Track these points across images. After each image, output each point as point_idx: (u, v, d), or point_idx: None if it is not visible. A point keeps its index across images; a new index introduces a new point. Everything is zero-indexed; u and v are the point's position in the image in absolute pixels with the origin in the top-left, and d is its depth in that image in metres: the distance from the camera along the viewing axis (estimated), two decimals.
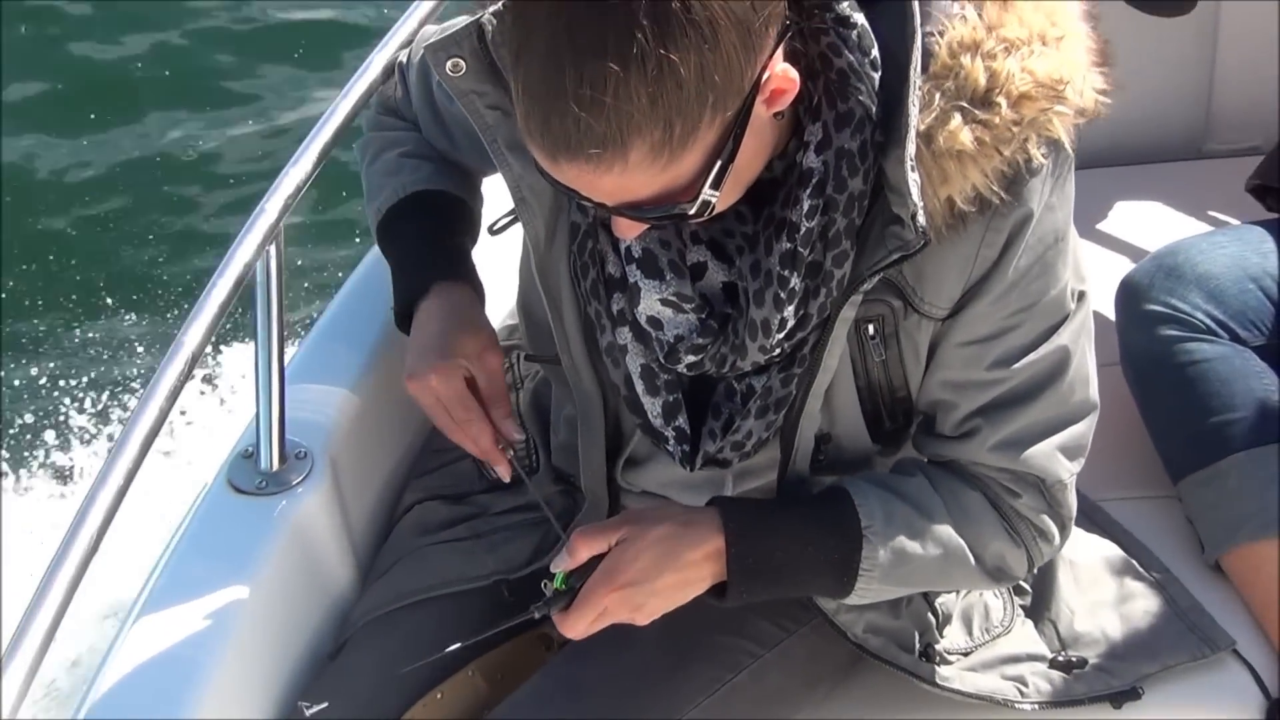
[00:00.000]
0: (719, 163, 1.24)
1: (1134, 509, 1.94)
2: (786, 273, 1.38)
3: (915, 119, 1.31)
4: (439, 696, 1.61)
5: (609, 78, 1.13)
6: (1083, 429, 1.53)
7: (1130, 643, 1.75)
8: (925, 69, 1.32)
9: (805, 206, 1.35)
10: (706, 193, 1.24)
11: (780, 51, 1.24)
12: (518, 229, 1.60)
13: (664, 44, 1.13)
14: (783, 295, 1.38)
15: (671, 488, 1.63)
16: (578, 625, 1.42)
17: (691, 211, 1.26)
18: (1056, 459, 1.51)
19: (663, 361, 1.49)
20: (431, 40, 1.44)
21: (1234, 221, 2.12)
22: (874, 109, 1.33)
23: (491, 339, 1.66)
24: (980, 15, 1.34)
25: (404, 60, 1.83)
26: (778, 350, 1.45)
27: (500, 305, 1.92)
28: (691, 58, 1.14)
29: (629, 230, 1.34)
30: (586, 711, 1.57)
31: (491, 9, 1.38)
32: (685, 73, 1.15)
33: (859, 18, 1.32)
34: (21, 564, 3.39)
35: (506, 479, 1.64)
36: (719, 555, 1.45)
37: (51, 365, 4.27)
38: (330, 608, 1.76)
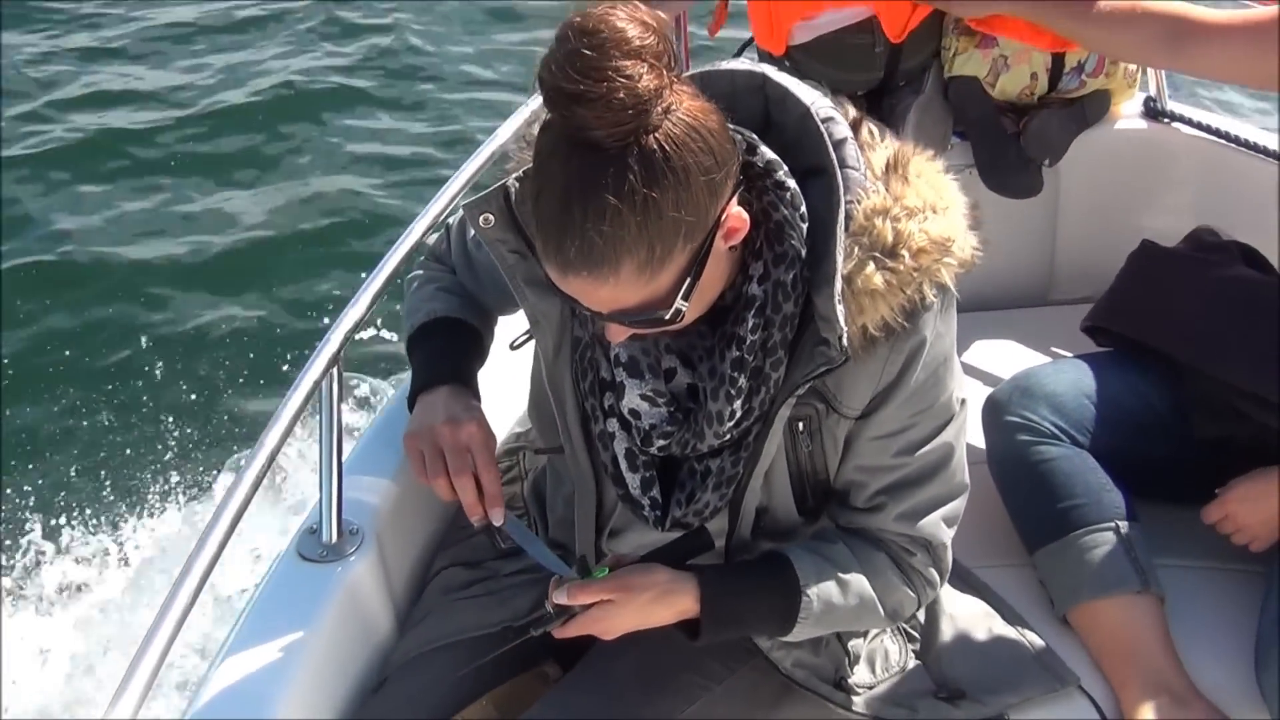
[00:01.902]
0: (688, 280, 1.29)
1: (999, 574, 1.95)
2: (735, 374, 1.41)
3: (840, 265, 1.35)
4: None
5: (607, 210, 1.20)
6: (959, 504, 1.58)
7: (998, 679, 1.76)
8: (847, 228, 1.37)
9: (749, 324, 1.39)
10: (679, 303, 1.30)
11: (735, 200, 1.30)
12: (528, 348, 1.63)
13: (649, 186, 1.19)
14: (732, 392, 1.42)
15: (644, 549, 1.58)
16: (567, 633, 1.47)
17: (667, 317, 1.31)
18: (941, 527, 1.56)
19: (640, 445, 1.52)
20: (469, 201, 1.48)
21: (1072, 354, 2.15)
22: (803, 252, 1.37)
23: (485, 427, 1.67)
24: (887, 188, 1.40)
25: (451, 222, 1.85)
26: (728, 436, 1.47)
27: (510, 415, 1.96)
28: (670, 197, 1.21)
29: (618, 334, 1.39)
30: None
31: (513, 176, 1.43)
32: (664, 208, 1.21)
33: (791, 183, 1.36)
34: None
35: (495, 522, 1.63)
36: (687, 613, 1.49)
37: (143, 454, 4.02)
38: (374, 650, 1.75)
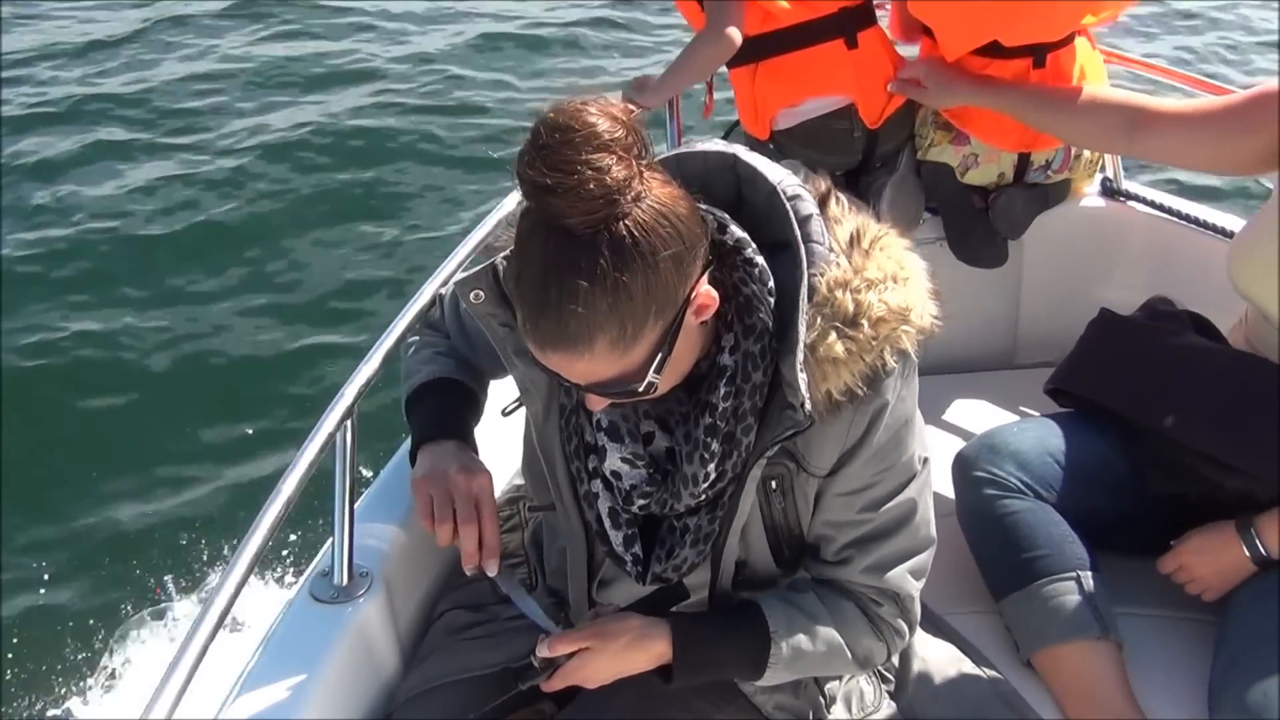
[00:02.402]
0: (660, 355, 1.30)
1: (969, 620, 1.96)
2: (709, 439, 1.42)
3: (803, 335, 1.36)
4: None
5: (580, 292, 1.21)
6: (925, 557, 1.58)
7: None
8: (811, 299, 1.38)
9: (721, 392, 1.40)
10: (651, 376, 1.31)
11: (705, 278, 1.31)
12: (520, 412, 1.64)
13: (619, 269, 1.21)
14: (706, 456, 1.43)
15: (631, 600, 1.59)
16: (553, 685, 1.49)
17: (640, 389, 1.32)
18: (907, 579, 1.56)
19: (622, 504, 1.52)
20: (461, 278, 1.50)
21: (1037, 414, 2.16)
22: (770, 324, 1.38)
23: (486, 477, 1.67)
24: (850, 261, 1.40)
25: (444, 293, 1.87)
26: (703, 496, 1.48)
27: (510, 466, 1.97)
28: (639, 279, 1.22)
29: (597, 404, 1.40)
30: None
31: (501, 256, 1.44)
32: (634, 289, 1.22)
33: (759, 259, 1.38)
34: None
35: (491, 573, 1.64)
36: (663, 658, 1.49)
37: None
38: (382, 687, 1.76)
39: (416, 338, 1.87)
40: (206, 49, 7.81)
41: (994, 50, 2.41)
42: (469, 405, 1.78)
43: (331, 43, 8.18)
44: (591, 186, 1.18)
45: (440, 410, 1.76)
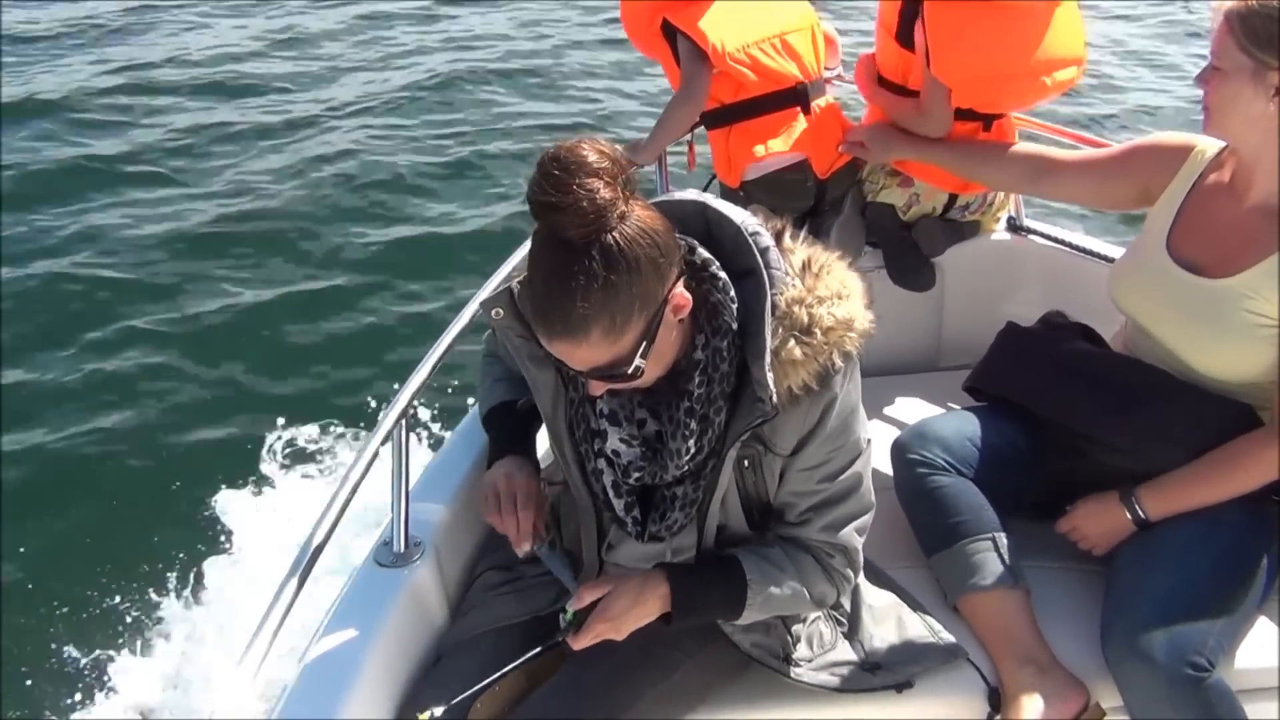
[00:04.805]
0: (645, 343, 1.31)
1: (906, 573, 1.94)
2: (688, 420, 1.44)
3: (769, 343, 1.38)
4: (496, 689, 1.58)
5: (576, 290, 1.23)
6: (868, 518, 1.59)
7: (905, 653, 1.76)
8: (774, 313, 1.40)
9: (696, 381, 1.42)
10: (638, 361, 1.32)
11: (680, 283, 1.33)
12: None
13: (609, 271, 1.23)
14: (686, 433, 1.44)
15: (632, 558, 1.63)
16: (582, 641, 1.47)
17: (629, 372, 1.33)
18: (854, 535, 1.57)
19: (622, 478, 1.53)
20: (485, 299, 1.53)
21: (958, 407, 2.14)
22: (734, 325, 1.40)
23: (532, 477, 1.68)
24: (803, 282, 1.43)
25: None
26: (686, 468, 1.48)
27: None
28: (625, 280, 1.24)
29: (597, 389, 1.41)
30: (582, 698, 1.59)
31: (516, 280, 1.47)
32: (621, 288, 1.25)
33: (722, 274, 1.40)
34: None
35: (522, 554, 1.64)
36: (666, 599, 1.50)
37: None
38: (432, 635, 1.76)
39: (483, 367, 1.85)
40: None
41: (956, 114, 2.38)
42: (520, 420, 1.76)
43: (373, 55, 7.82)
44: (584, 204, 1.20)
45: (498, 435, 1.76)
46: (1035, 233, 2.74)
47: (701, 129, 2.63)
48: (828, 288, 1.43)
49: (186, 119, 6.66)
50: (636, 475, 1.51)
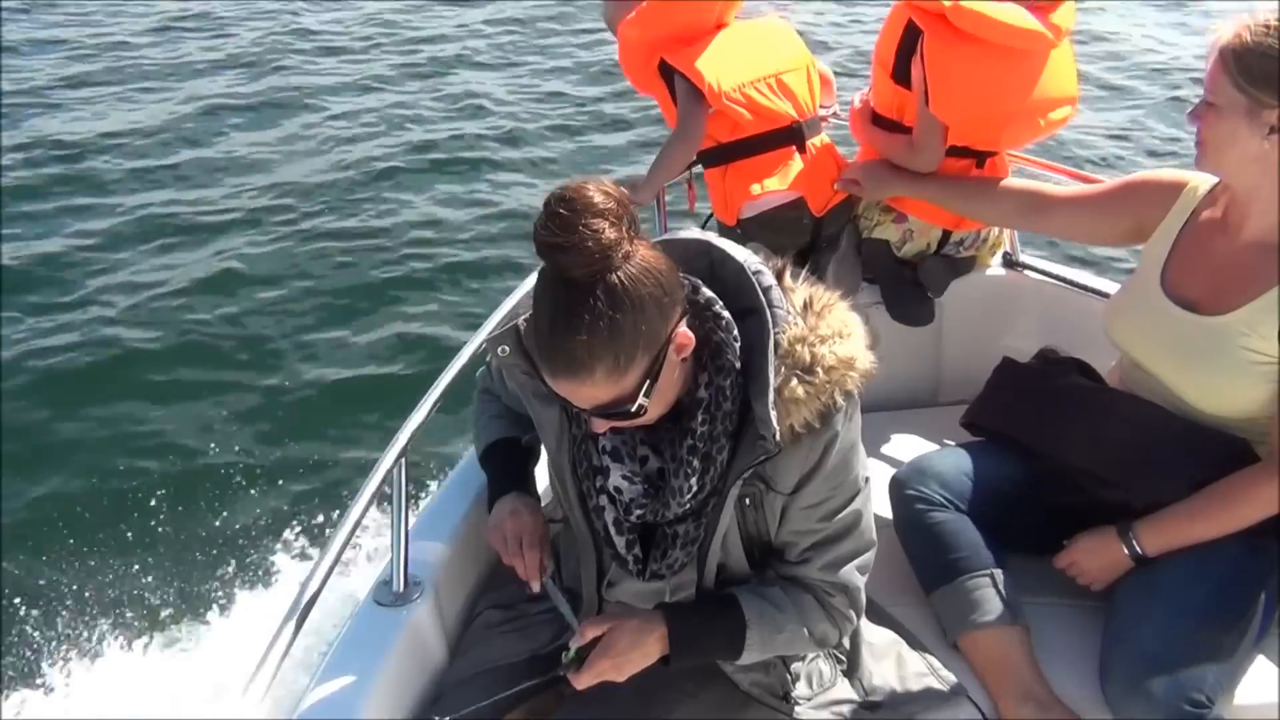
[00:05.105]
0: (648, 382, 1.32)
1: (905, 611, 1.94)
2: (690, 458, 1.44)
3: (773, 381, 1.39)
4: None
5: (581, 328, 1.24)
6: (869, 556, 1.58)
7: (905, 691, 1.75)
8: (776, 352, 1.40)
9: (699, 419, 1.42)
10: (641, 399, 1.32)
11: (683, 322, 1.34)
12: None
13: (613, 310, 1.24)
14: (688, 471, 1.44)
15: (632, 596, 1.62)
16: (584, 680, 1.46)
17: (633, 410, 1.33)
18: (855, 574, 1.56)
19: (624, 515, 1.53)
20: (491, 336, 1.52)
21: (955, 443, 2.14)
22: (736, 364, 1.41)
23: (536, 514, 1.69)
24: (804, 321, 1.43)
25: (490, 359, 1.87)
26: (688, 506, 1.48)
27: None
28: (628, 318, 1.25)
29: (600, 426, 1.41)
30: None
31: (522, 318, 1.45)
32: (625, 327, 1.25)
33: (725, 314, 1.41)
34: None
35: (536, 590, 1.65)
36: (665, 640, 1.49)
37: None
38: (432, 674, 1.75)
39: (477, 404, 1.86)
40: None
41: (951, 150, 2.41)
42: (519, 456, 1.78)
43: (383, 99, 7.83)
44: (589, 244, 1.22)
45: (498, 471, 1.77)
46: (1031, 268, 2.76)
47: (699, 167, 2.65)
48: (829, 326, 1.44)
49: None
50: (638, 513, 1.52)
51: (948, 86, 2.29)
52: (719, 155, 2.57)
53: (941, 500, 1.94)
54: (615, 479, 1.50)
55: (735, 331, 1.42)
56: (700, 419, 1.43)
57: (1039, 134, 2.44)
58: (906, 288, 2.61)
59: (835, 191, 2.58)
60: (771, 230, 2.55)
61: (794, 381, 1.40)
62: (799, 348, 1.42)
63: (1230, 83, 1.74)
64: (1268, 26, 1.70)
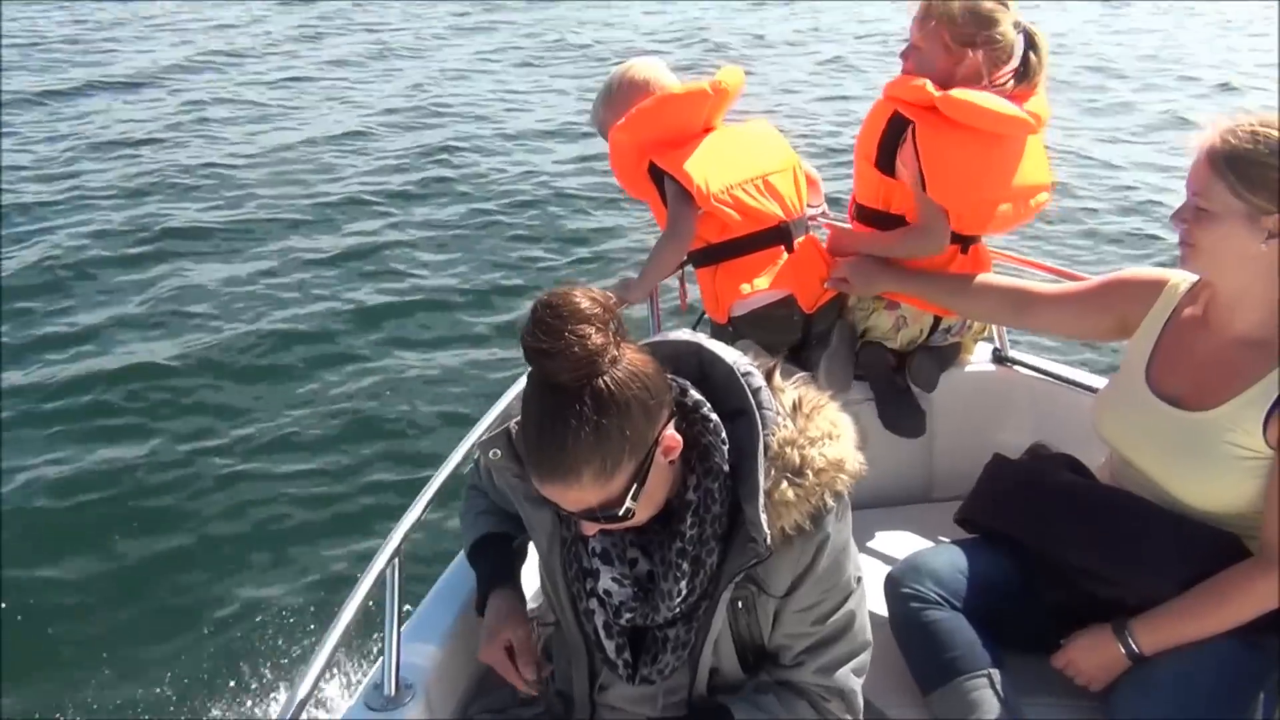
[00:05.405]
0: (635, 485, 1.33)
1: (902, 713, 1.92)
2: (680, 561, 1.44)
3: (762, 483, 1.39)
4: None
5: (568, 433, 1.26)
6: (864, 657, 1.58)
7: None
8: (766, 454, 1.41)
9: (688, 522, 1.43)
10: (629, 503, 1.33)
11: (670, 425, 1.35)
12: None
13: (599, 415, 1.25)
14: (678, 575, 1.44)
15: (624, 700, 1.62)
16: None
17: (620, 514, 1.34)
18: (850, 677, 1.56)
19: (614, 618, 1.52)
20: (483, 440, 1.54)
21: (949, 540, 2.15)
22: (725, 467, 1.41)
23: (523, 623, 1.69)
24: (794, 423, 1.45)
25: (478, 457, 1.87)
26: (678, 610, 1.48)
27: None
28: (615, 423, 1.26)
29: (589, 529, 1.42)
30: None
31: (513, 421, 1.45)
32: (612, 431, 1.27)
33: (714, 416, 1.42)
34: None
35: (530, 695, 1.65)
36: None
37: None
38: None
39: (465, 500, 1.86)
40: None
41: None
42: (506, 554, 1.78)
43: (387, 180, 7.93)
44: (576, 350, 1.24)
45: (485, 569, 1.76)
46: (1020, 364, 2.79)
47: (690, 266, 2.70)
48: (819, 428, 1.45)
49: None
50: (628, 616, 1.51)
51: (943, 171, 2.39)
52: (709, 255, 2.61)
53: (937, 598, 1.94)
54: (605, 581, 1.50)
55: (723, 434, 1.43)
56: (689, 521, 1.44)
57: (1021, 219, 2.54)
58: (900, 398, 2.63)
59: (825, 289, 2.63)
60: (762, 328, 2.58)
61: (784, 484, 1.41)
62: (788, 450, 1.43)
63: (1227, 189, 1.75)
64: (1255, 132, 1.73)
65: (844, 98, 10.49)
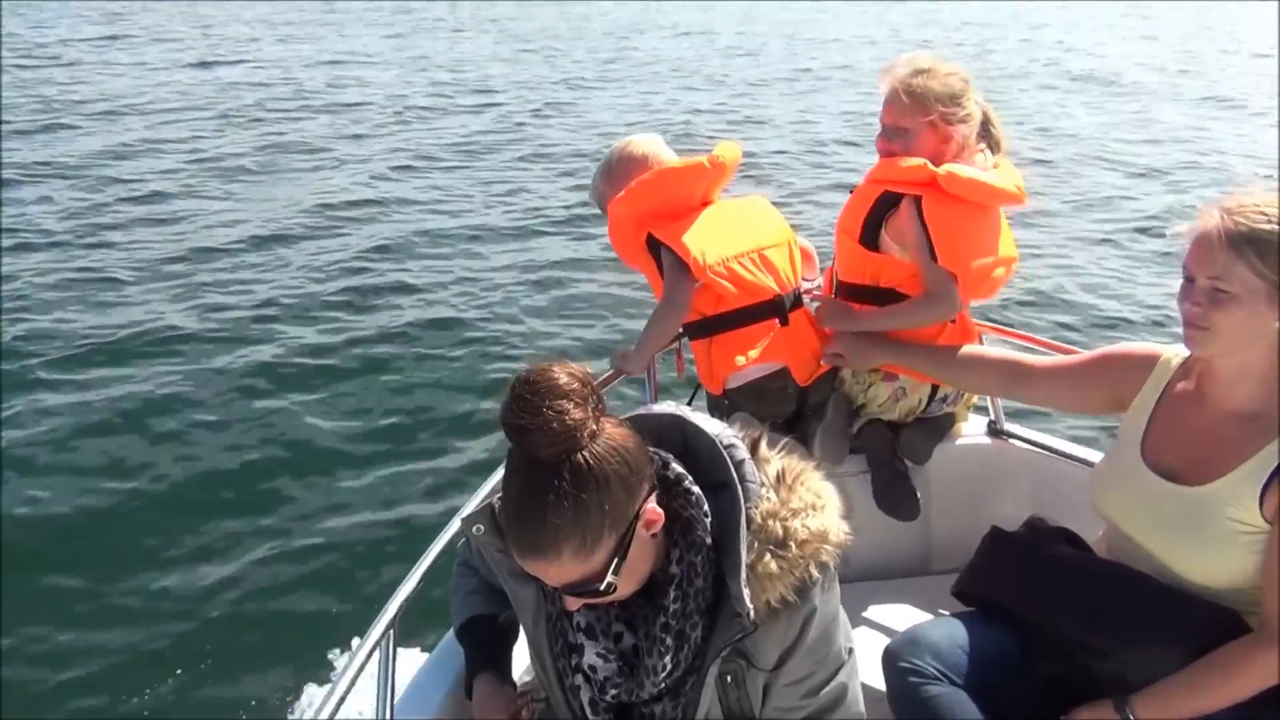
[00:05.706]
0: (616, 559, 1.33)
1: None
2: (664, 635, 1.43)
3: (744, 557, 1.39)
4: None
5: (547, 510, 1.26)
6: None
7: None
8: (749, 527, 1.41)
9: (671, 596, 1.42)
10: (610, 577, 1.33)
11: (652, 499, 1.35)
12: None
13: (577, 490, 1.26)
14: (662, 649, 1.43)
15: None
16: None
17: (601, 589, 1.34)
18: None
19: (599, 694, 1.51)
20: (466, 516, 1.54)
21: (947, 613, 2.14)
22: (708, 540, 1.42)
23: (507, 707, 1.67)
24: (777, 495, 1.45)
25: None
26: (663, 685, 1.47)
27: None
28: (594, 498, 1.27)
29: (572, 604, 1.41)
30: None
31: (497, 497, 1.44)
32: (592, 507, 1.27)
33: (695, 489, 1.42)
34: None
35: None
36: None
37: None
38: None
39: (456, 579, 1.85)
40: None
41: None
42: (494, 635, 1.76)
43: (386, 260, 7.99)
44: (554, 426, 1.25)
45: (474, 650, 1.75)
46: (1016, 437, 2.81)
47: (686, 338, 2.72)
48: (801, 499, 1.46)
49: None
50: (613, 692, 1.50)
51: (952, 240, 2.50)
52: (704, 328, 2.64)
53: (935, 673, 1.92)
54: (590, 657, 1.50)
55: (705, 507, 1.43)
56: (673, 595, 1.43)
57: (998, 286, 2.66)
58: (897, 482, 2.63)
59: (819, 363, 2.65)
60: (757, 400, 2.60)
61: (767, 557, 1.41)
62: (771, 522, 1.43)
63: (1249, 269, 1.75)
64: (1262, 212, 1.75)
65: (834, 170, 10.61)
